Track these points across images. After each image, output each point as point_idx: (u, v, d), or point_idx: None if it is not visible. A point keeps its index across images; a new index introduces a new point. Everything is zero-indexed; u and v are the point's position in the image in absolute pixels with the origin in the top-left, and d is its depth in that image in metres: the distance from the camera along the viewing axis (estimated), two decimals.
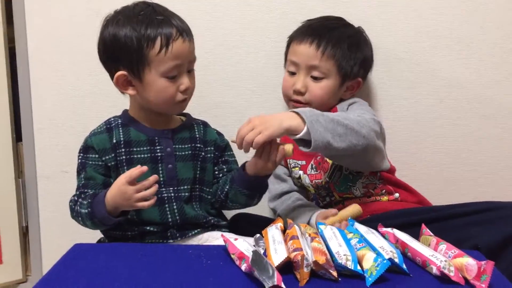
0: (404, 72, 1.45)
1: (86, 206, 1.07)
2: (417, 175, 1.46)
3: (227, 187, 1.17)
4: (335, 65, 1.27)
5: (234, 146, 1.22)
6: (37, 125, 1.50)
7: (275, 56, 1.45)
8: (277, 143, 1.08)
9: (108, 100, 1.47)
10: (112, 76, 1.14)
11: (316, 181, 1.31)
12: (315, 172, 1.32)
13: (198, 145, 1.21)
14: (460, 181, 1.49)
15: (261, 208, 1.36)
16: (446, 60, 1.44)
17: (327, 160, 1.28)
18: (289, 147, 1.07)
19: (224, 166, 1.24)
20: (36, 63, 1.48)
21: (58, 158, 1.51)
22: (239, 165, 1.18)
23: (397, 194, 1.28)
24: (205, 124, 1.27)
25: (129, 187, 1.00)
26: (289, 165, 1.37)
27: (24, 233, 1.59)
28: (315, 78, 1.28)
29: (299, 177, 1.35)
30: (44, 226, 1.55)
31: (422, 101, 1.46)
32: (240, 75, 1.47)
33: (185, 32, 1.11)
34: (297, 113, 1.04)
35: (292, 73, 1.32)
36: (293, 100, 1.31)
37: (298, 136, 1.04)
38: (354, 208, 1.15)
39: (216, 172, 1.24)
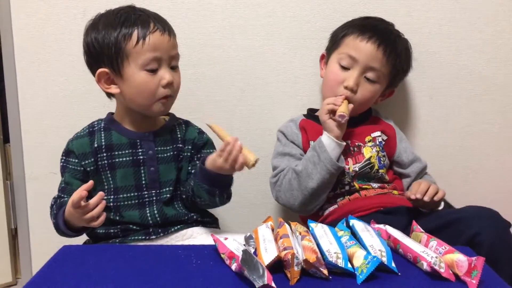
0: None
1: (54, 216, 1.10)
2: None
3: (192, 182, 1.15)
4: (392, 73, 1.29)
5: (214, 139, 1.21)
6: (25, 126, 1.49)
7: (265, 54, 1.44)
8: (241, 149, 1.02)
9: (96, 100, 1.44)
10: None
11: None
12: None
13: (180, 145, 1.20)
14: (450, 176, 1.50)
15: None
16: (437, 56, 1.45)
17: (361, 151, 1.29)
18: (252, 158, 1.02)
19: (198, 163, 1.18)
20: (23, 64, 1.46)
21: (46, 160, 1.49)
22: None
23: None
24: (186, 124, 1.25)
25: (76, 210, 0.99)
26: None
27: (13, 235, 1.57)
28: (368, 80, 1.27)
29: None
30: (33, 228, 1.54)
31: (413, 97, 1.47)
32: (229, 73, 1.46)
33: (162, 26, 1.12)
34: None
35: (344, 68, 1.28)
36: (341, 93, 1.27)
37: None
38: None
39: (190, 168, 1.21)
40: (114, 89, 1.13)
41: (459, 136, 1.49)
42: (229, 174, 1.09)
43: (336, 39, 1.33)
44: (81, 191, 0.98)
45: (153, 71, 1.10)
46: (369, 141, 1.30)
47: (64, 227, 1.07)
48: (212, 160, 1.07)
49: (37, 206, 1.52)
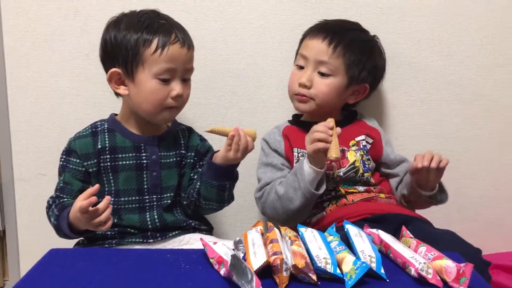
0: (386, 74, 1.44)
1: (55, 218, 1.08)
2: None
3: (198, 183, 1.16)
4: (344, 64, 1.27)
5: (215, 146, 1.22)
6: (14, 127, 1.47)
7: (256, 57, 1.44)
8: (244, 133, 1.10)
9: (86, 102, 1.44)
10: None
11: (327, 171, 1.27)
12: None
13: (183, 151, 1.21)
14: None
15: None
16: (428, 61, 1.45)
17: (347, 156, 1.28)
18: (253, 132, 1.12)
19: (200, 170, 1.22)
20: (13, 64, 1.45)
21: (35, 161, 1.47)
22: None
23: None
24: (189, 130, 1.27)
25: (83, 215, 0.98)
26: (295, 154, 1.32)
27: (1, 237, 1.56)
28: (322, 74, 1.28)
29: None
30: (22, 229, 1.52)
31: (403, 103, 1.47)
32: (222, 76, 1.45)
33: (183, 38, 1.13)
34: None
35: (300, 68, 1.31)
36: (297, 93, 1.30)
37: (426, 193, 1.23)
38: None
39: (192, 175, 1.23)
40: (122, 90, 1.14)
41: (449, 141, 1.49)
42: (239, 162, 1.12)
43: (298, 45, 1.36)
44: (89, 196, 0.97)
45: (165, 81, 1.11)
46: (353, 145, 1.30)
47: (68, 230, 1.05)
48: (223, 156, 1.10)
49: (26, 207, 1.51)
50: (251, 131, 1.12)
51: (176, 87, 1.12)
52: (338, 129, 1.16)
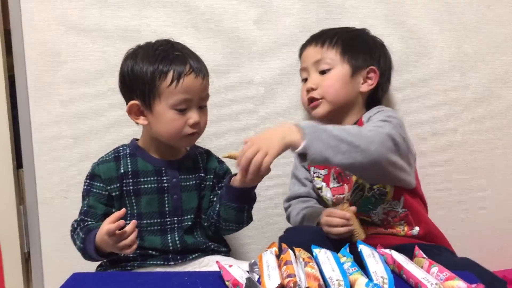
0: (397, 91, 1.47)
1: (81, 240, 1.11)
2: None
3: (218, 205, 1.19)
4: (338, 53, 1.29)
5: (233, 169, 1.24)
6: (37, 152, 1.52)
7: (268, 78, 1.48)
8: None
9: (106, 127, 1.49)
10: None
11: (338, 196, 1.29)
12: (338, 185, 1.30)
13: (202, 174, 1.25)
14: (457, 196, 1.51)
15: None
16: (439, 77, 1.46)
17: (351, 175, 1.25)
18: None
19: (219, 192, 1.25)
20: (36, 91, 1.51)
21: (58, 184, 1.53)
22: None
23: (417, 228, 1.24)
24: (207, 153, 1.30)
25: (110, 238, 1.02)
26: (311, 173, 1.35)
27: (26, 259, 1.60)
28: (323, 72, 1.30)
29: (321, 188, 1.33)
30: (46, 251, 1.56)
31: (416, 119, 1.48)
32: (236, 98, 1.49)
33: (198, 69, 1.15)
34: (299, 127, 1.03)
35: (305, 80, 1.35)
36: (308, 100, 1.32)
37: (296, 150, 1.03)
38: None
39: (211, 197, 1.26)
40: (142, 121, 1.18)
41: (465, 156, 1.49)
42: (256, 184, 1.13)
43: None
44: (115, 220, 1.01)
45: (182, 111, 1.15)
46: None
47: (94, 252, 1.09)
48: (240, 180, 1.10)
49: (49, 230, 1.55)
50: None
51: (193, 116, 1.16)
52: (353, 208, 1.16)
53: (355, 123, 1.28)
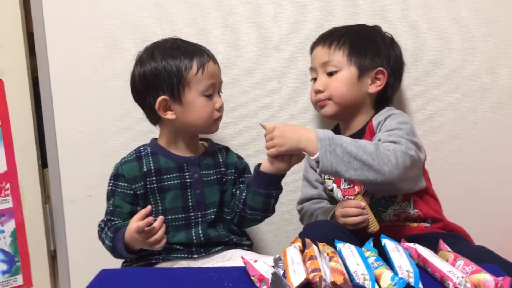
0: (418, 85, 1.46)
1: (109, 240, 1.15)
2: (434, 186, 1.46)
3: (244, 193, 1.22)
4: (344, 55, 1.29)
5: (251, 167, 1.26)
6: (62, 151, 1.56)
7: (287, 75, 1.49)
8: None
9: (127, 126, 1.51)
10: (145, 108, 1.25)
11: (348, 197, 1.30)
12: (349, 187, 1.31)
13: (222, 169, 1.28)
14: (480, 192, 1.49)
15: None
16: (459, 71, 1.46)
17: None
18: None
19: (241, 186, 1.28)
20: (59, 92, 1.54)
21: (83, 183, 1.55)
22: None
23: (429, 221, 1.27)
24: (226, 149, 1.34)
25: (140, 235, 1.05)
26: (322, 175, 1.37)
27: (53, 256, 1.64)
28: (331, 74, 1.30)
29: (332, 190, 1.35)
30: (72, 249, 1.60)
31: (436, 113, 1.47)
32: (255, 95, 1.50)
33: (213, 57, 1.25)
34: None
35: (314, 80, 1.36)
36: (316, 101, 1.33)
37: (312, 158, 1.09)
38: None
39: (234, 190, 1.29)
40: (170, 115, 1.21)
41: (486, 150, 1.48)
42: (284, 172, 1.19)
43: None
44: (143, 217, 1.05)
45: (209, 96, 1.21)
46: None
47: (124, 250, 1.12)
48: (267, 163, 1.17)
49: (75, 228, 1.58)
50: None
51: (218, 100, 1.23)
52: (367, 199, 1.19)
53: (365, 126, 1.30)
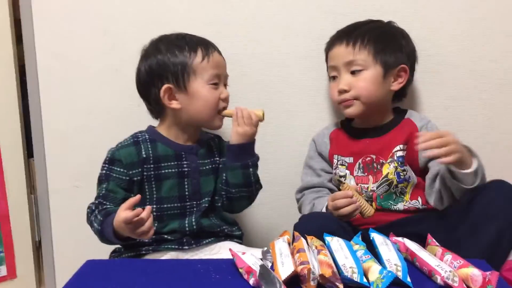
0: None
1: (99, 223, 1.11)
2: None
3: (224, 173, 1.23)
4: (370, 54, 1.29)
5: None
6: (48, 141, 1.53)
7: (285, 68, 1.47)
8: (247, 110, 1.19)
9: (117, 116, 1.49)
10: (150, 100, 1.24)
11: (362, 185, 1.30)
12: (362, 174, 1.31)
13: (217, 158, 1.29)
14: None
15: None
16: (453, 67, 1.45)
17: (381, 169, 1.29)
18: (259, 111, 1.20)
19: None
20: (46, 81, 1.51)
21: (69, 173, 1.53)
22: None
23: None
24: (219, 138, 1.34)
25: (127, 226, 1.03)
26: (335, 160, 1.35)
27: (37, 247, 1.62)
28: (355, 72, 1.30)
29: (344, 176, 1.33)
30: (57, 240, 1.57)
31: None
32: (252, 88, 1.48)
33: (217, 48, 1.26)
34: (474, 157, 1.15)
35: (334, 78, 1.34)
36: (340, 101, 1.32)
37: (464, 171, 1.13)
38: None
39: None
40: (175, 105, 1.21)
41: (475, 146, 1.48)
42: (252, 137, 1.20)
43: (326, 60, 1.39)
44: (131, 206, 1.03)
45: (216, 85, 1.21)
46: (389, 157, 1.29)
47: (112, 236, 1.09)
48: (233, 133, 1.19)
49: (60, 218, 1.56)
50: (258, 112, 1.20)
51: (223, 90, 1.24)
52: (354, 185, 1.25)
53: (390, 121, 1.35)
